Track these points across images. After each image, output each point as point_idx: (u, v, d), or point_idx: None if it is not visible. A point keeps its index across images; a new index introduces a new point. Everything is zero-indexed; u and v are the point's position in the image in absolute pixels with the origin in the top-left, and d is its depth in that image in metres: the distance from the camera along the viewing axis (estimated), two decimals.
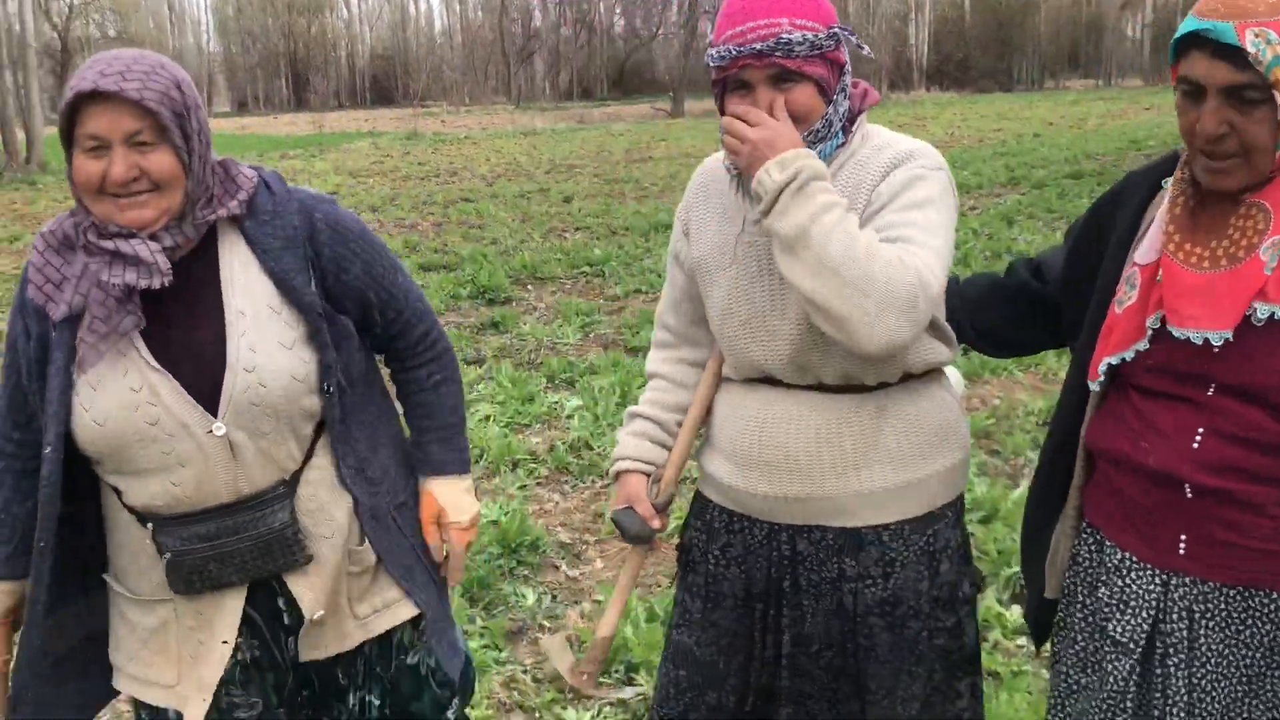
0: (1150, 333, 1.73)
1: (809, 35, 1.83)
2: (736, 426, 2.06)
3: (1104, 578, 1.85)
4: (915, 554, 2.00)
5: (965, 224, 11.40)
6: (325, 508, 1.92)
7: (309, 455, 1.90)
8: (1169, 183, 1.79)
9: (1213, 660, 1.75)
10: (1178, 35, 1.66)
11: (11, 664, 1.97)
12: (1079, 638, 1.92)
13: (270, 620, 1.95)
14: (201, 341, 1.82)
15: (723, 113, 1.91)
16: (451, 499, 2.07)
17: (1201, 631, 1.76)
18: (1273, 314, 1.63)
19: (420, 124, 37.92)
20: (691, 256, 2.10)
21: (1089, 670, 1.89)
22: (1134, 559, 1.81)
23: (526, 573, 4.04)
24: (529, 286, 9.82)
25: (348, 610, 1.99)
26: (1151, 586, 1.79)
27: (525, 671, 3.35)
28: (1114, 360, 1.77)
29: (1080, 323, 1.89)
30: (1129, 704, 1.81)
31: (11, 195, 19.02)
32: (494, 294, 9.29)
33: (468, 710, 2.23)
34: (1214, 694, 1.75)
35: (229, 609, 1.90)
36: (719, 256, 2.03)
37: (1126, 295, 1.78)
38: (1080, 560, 1.93)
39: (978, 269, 9.07)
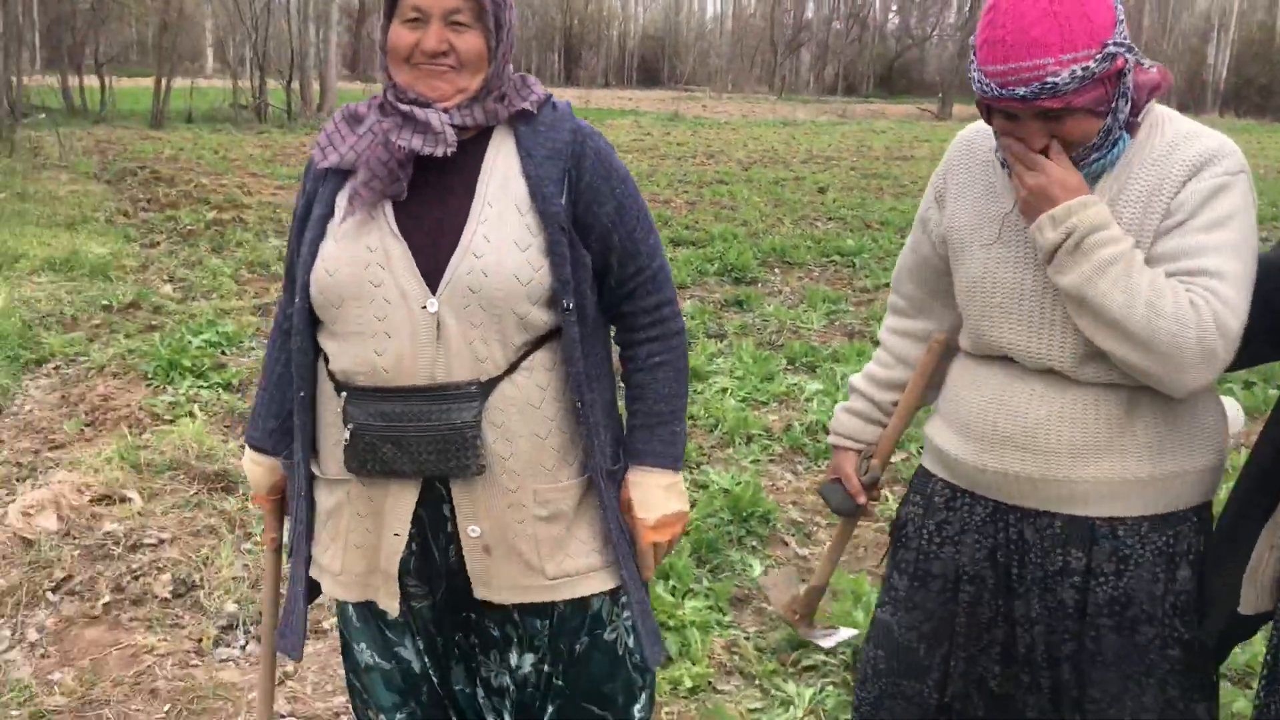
0: None
1: (1078, 69, 1.68)
2: (972, 400, 1.96)
3: None
4: (1152, 554, 1.86)
5: None
6: (512, 427, 1.86)
7: (512, 368, 1.85)
8: None
9: None
10: None
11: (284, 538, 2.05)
12: None
13: (434, 526, 1.92)
14: (442, 221, 1.84)
15: (988, 120, 1.84)
16: (642, 493, 1.97)
17: None
18: None
19: (682, 107, 38.34)
20: (943, 224, 2.01)
21: None
22: None
23: (755, 544, 3.98)
24: (775, 270, 9.74)
25: (535, 562, 1.92)
26: None
27: (748, 639, 3.29)
28: None
29: None
30: None
31: (302, 139, 20.40)
32: (740, 273, 9.27)
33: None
34: None
35: (401, 502, 1.88)
36: (978, 231, 1.93)
37: None
38: None
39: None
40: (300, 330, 1.91)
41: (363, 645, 2.06)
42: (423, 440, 1.82)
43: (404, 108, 1.81)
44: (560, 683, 1.99)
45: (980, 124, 1.96)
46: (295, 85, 25.33)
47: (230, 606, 3.46)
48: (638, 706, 2.05)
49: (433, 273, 1.81)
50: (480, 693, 2.07)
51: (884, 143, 26.25)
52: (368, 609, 2.00)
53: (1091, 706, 1.89)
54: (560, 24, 73.21)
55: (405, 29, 1.81)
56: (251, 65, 24.67)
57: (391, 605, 1.93)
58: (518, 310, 1.82)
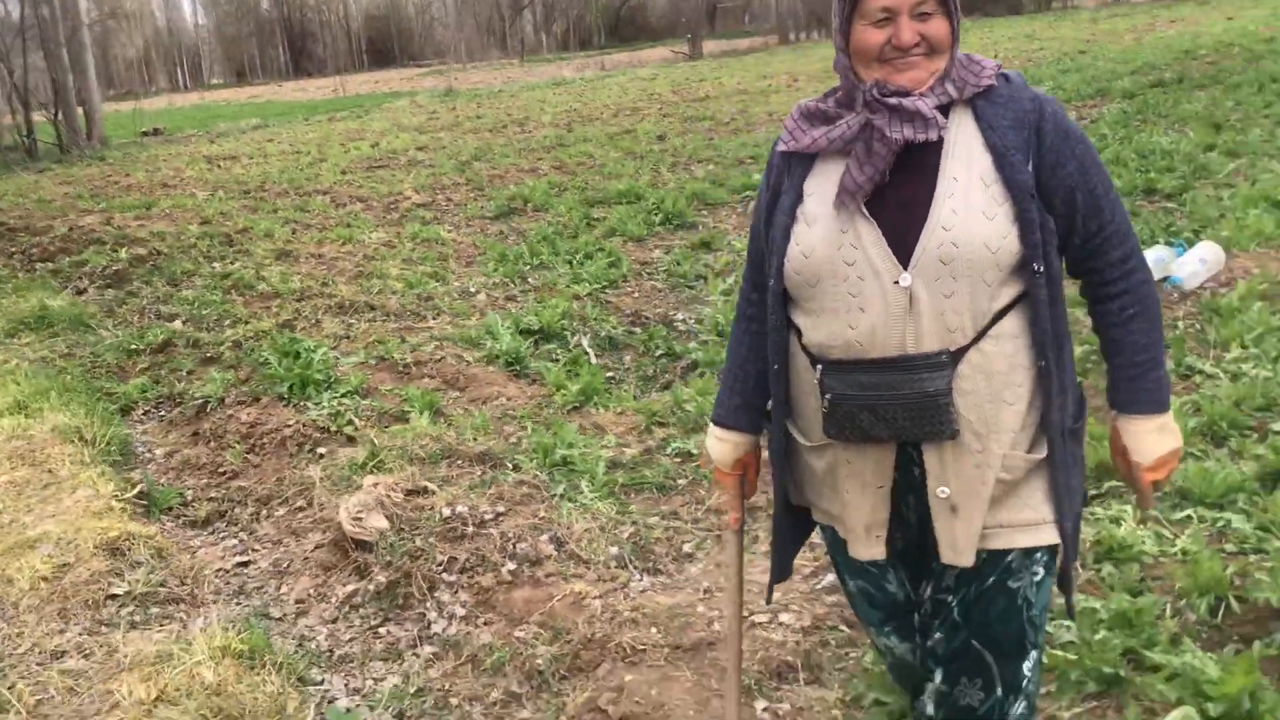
0: None
1: None
2: None
3: None
4: None
5: (1094, 130, 11.96)
6: (979, 394, 1.93)
7: (979, 336, 1.92)
8: None
9: None
10: None
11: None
12: None
13: (904, 487, 2.04)
14: (910, 200, 1.93)
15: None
16: (1135, 440, 2.06)
17: None
18: None
19: (438, 82, 38.01)
20: None
21: None
22: None
23: None
24: (703, 212, 10.38)
25: (986, 514, 2.00)
26: None
27: None
28: None
29: None
30: None
31: (104, 169, 19.35)
32: (679, 219, 9.86)
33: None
34: None
35: (881, 461, 2.01)
36: None
37: None
38: None
39: (1128, 168, 9.67)
40: (775, 309, 2.06)
41: (847, 577, 2.31)
42: (896, 408, 1.92)
43: (891, 101, 1.92)
44: (956, 617, 2.07)
45: None
46: (60, 117, 23.82)
47: (613, 549, 3.88)
48: (1027, 662, 2.06)
49: (903, 249, 1.91)
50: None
51: (665, 87, 27.12)
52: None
53: None
54: (278, 16, 70.47)
55: (872, 29, 1.93)
56: (12, 101, 23.01)
57: (877, 551, 2.09)
58: (988, 278, 1.90)
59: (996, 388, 1.93)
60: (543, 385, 5.90)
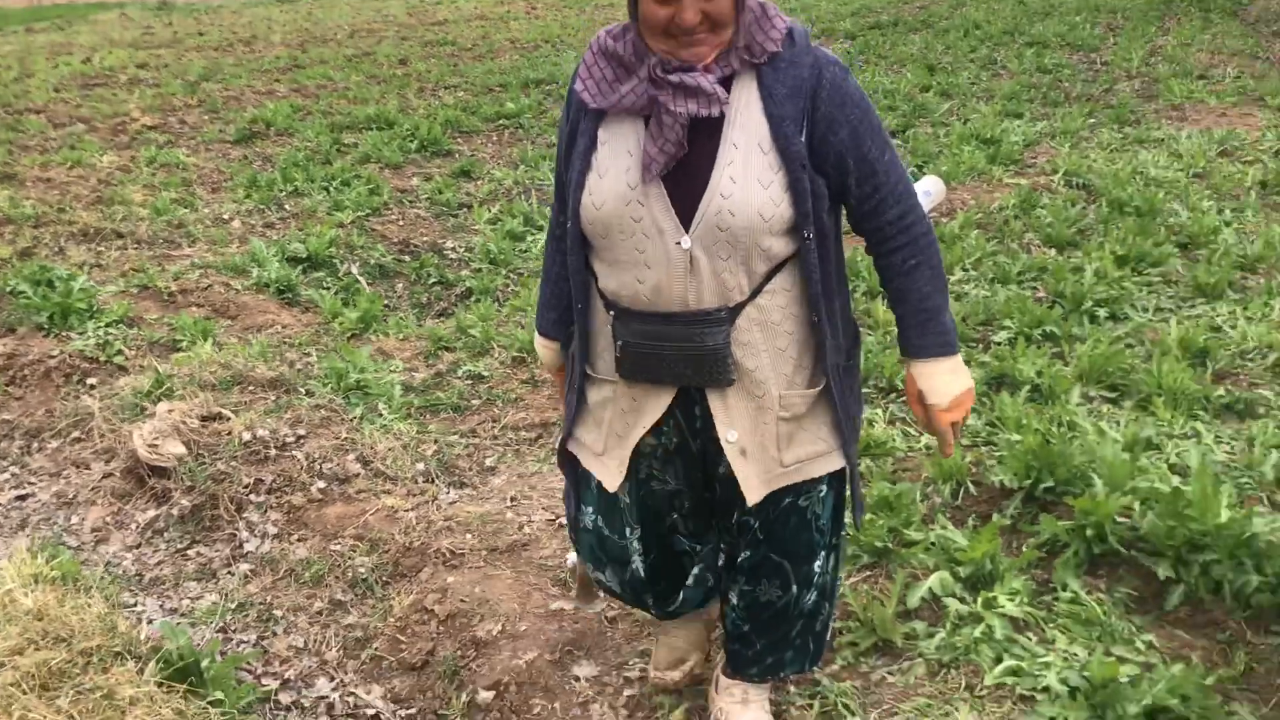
0: None
1: None
2: None
3: None
4: None
5: None
6: (756, 344, 2.10)
7: (755, 293, 2.07)
8: None
9: None
10: None
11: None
12: None
13: (689, 420, 2.22)
14: (695, 164, 2.01)
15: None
16: (929, 383, 2.19)
17: None
18: None
19: None
20: None
21: None
22: None
23: None
24: (459, 140, 10.39)
25: (775, 454, 2.20)
26: None
27: None
28: None
29: None
30: None
31: None
32: (436, 146, 9.86)
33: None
34: None
35: (657, 403, 2.18)
36: None
37: None
38: None
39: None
40: (574, 251, 2.17)
41: (590, 509, 2.44)
42: (680, 358, 2.08)
43: (674, 78, 1.96)
44: (760, 535, 2.34)
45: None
46: None
47: (419, 466, 4.03)
48: (818, 562, 2.37)
49: (686, 212, 2.01)
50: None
51: (401, 10, 26.43)
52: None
53: None
54: None
55: (657, 4, 1.92)
56: None
57: (613, 482, 2.29)
58: (761, 244, 2.02)
59: (771, 337, 2.10)
60: (317, 313, 5.89)
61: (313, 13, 26.72)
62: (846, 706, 2.74)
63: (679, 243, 2.00)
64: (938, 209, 7.26)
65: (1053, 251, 6.19)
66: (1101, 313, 5.18)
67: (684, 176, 2.01)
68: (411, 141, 9.93)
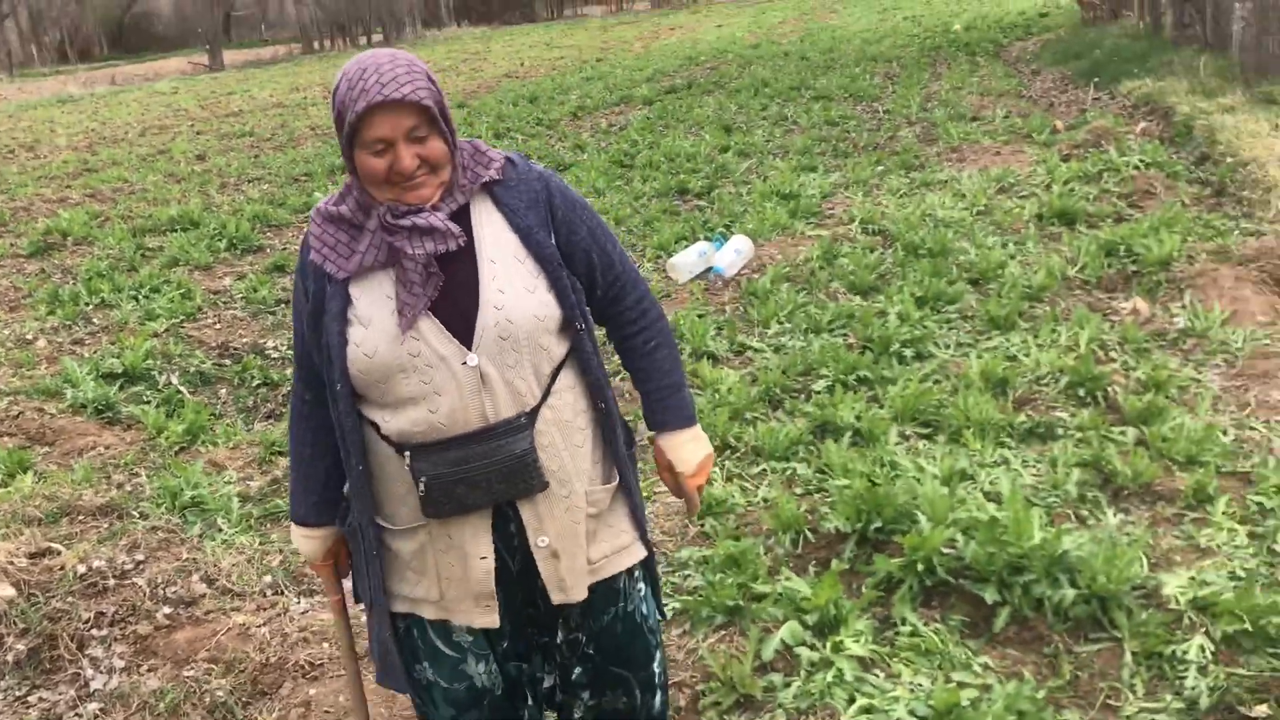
0: None
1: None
2: None
3: None
4: None
5: (625, 136, 13.10)
6: (556, 445, 2.14)
7: (546, 394, 2.13)
8: None
9: None
10: None
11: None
12: None
13: (505, 539, 2.19)
14: (461, 285, 2.07)
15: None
16: (677, 453, 2.33)
17: None
18: None
19: None
20: None
21: None
22: None
23: None
24: (268, 234, 10.27)
25: (584, 553, 2.21)
26: None
27: None
28: None
29: None
30: None
31: None
32: (246, 243, 9.72)
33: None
34: None
35: (476, 530, 2.14)
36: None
37: None
38: None
39: (661, 171, 10.78)
40: (347, 412, 2.13)
41: (425, 664, 2.28)
42: (490, 475, 2.08)
43: (405, 222, 2.03)
44: (590, 650, 2.33)
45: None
46: None
47: (266, 579, 3.97)
48: (655, 664, 2.40)
49: (463, 332, 2.05)
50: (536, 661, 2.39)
51: (192, 102, 25.87)
52: (444, 629, 2.24)
53: None
54: None
55: (373, 157, 2.00)
56: None
57: (491, 620, 2.20)
58: (542, 343, 2.11)
59: (568, 435, 2.16)
60: (141, 430, 5.73)
61: (98, 111, 25.88)
62: None
63: (465, 362, 2.05)
64: (749, 265, 7.60)
65: (858, 298, 6.55)
66: (908, 353, 5.53)
67: (451, 302, 2.06)
68: (220, 240, 9.76)
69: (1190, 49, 13.14)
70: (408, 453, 2.09)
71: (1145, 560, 3.50)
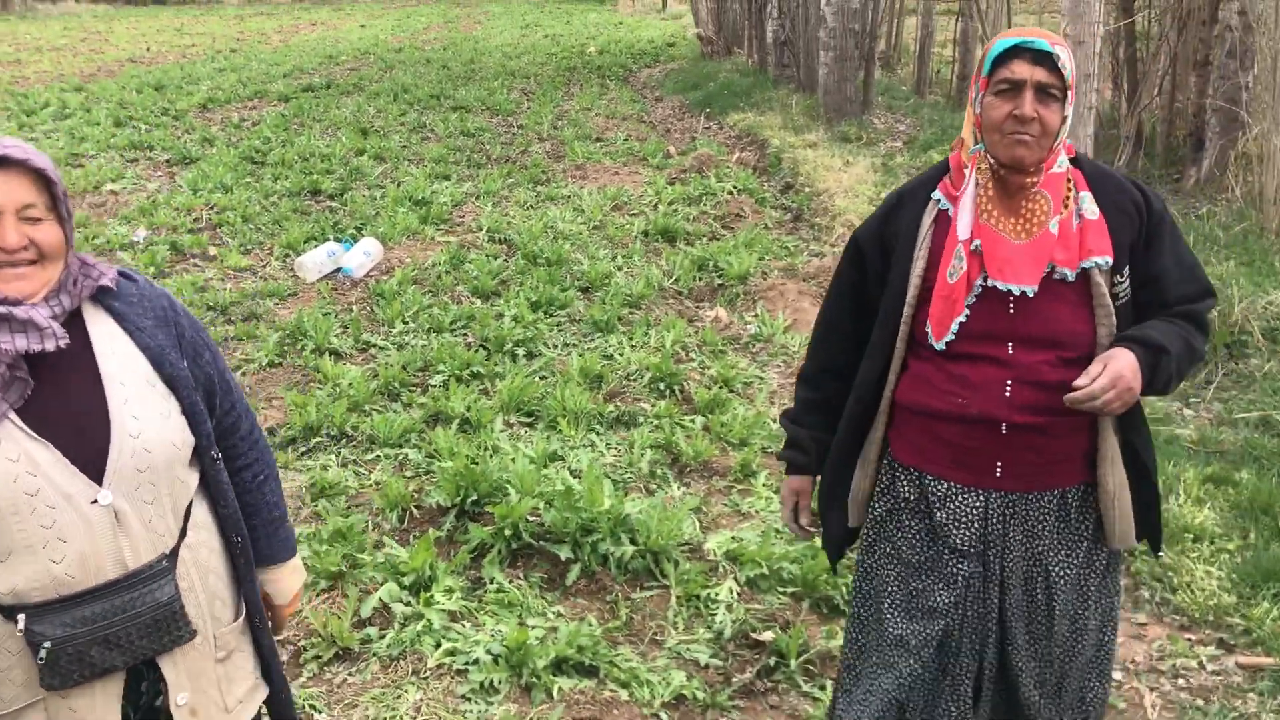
0: (978, 291, 2.10)
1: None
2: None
3: (937, 504, 2.24)
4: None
5: (258, 133, 12.92)
6: (195, 588, 1.94)
7: (183, 533, 1.93)
8: (936, 194, 2.21)
9: (1015, 549, 2.22)
10: (1001, 49, 2.06)
11: None
12: (910, 552, 2.30)
13: (134, 699, 1.92)
14: (81, 411, 1.81)
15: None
16: (276, 586, 2.21)
17: (1009, 528, 2.21)
18: (1063, 275, 2.08)
19: None
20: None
21: (924, 575, 2.29)
22: (960, 486, 2.22)
23: None
24: None
25: (220, 702, 2.01)
26: (977, 504, 2.22)
27: None
28: (962, 319, 2.12)
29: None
30: (972, 595, 2.25)
31: None
32: None
33: None
34: (1019, 573, 2.24)
35: (109, 697, 1.85)
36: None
37: (956, 267, 2.12)
38: (896, 494, 2.32)
39: (294, 170, 10.83)
40: None
41: None
42: (132, 630, 1.81)
43: (1, 310, 1.74)
44: None
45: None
46: None
47: None
48: None
49: (91, 464, 1.79)
50: None
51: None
52: None
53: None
54: None
55: None
56: None
57: None
58: (180, 475, 1.91)
59: (204, 575, 1.97)
60: None
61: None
62: (314, 707, 3.19)
63: (95, 500, 1.78)
64: (377, 267, 7.89)
65: (479, 301, 7.03)
66: (520, 351, 6.07)
67: (77, 429, 1.80)
68: None
69: (787, 88, 14.78)
70: (23, 615, 1.76)
71: (698, 523, 4.18)
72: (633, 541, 3.90)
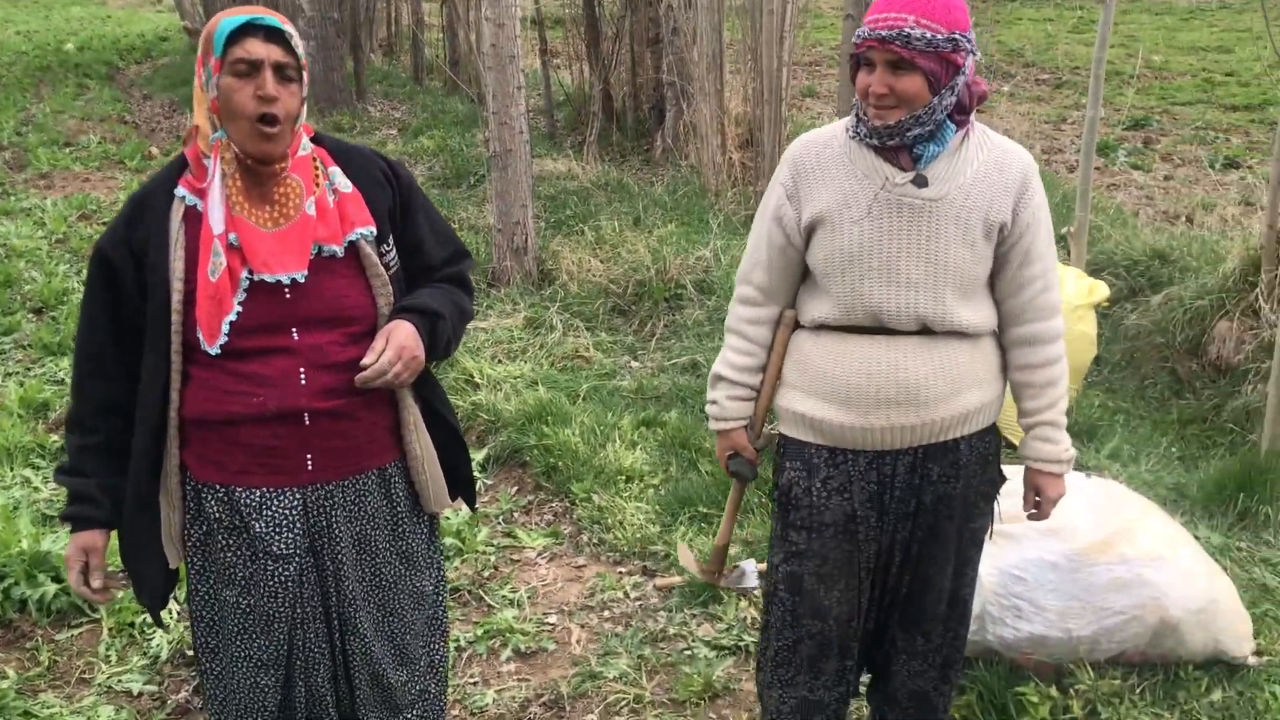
0: (245, 285, 2.04)
1: (927, 34, 2.09)
2: (845, 370, 2.29)
3: (252, 515, 2.14)
4: (976, 458, 2.38)
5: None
6: None
7: None
8: (181, 191, 2.10)
9: (343, 539, 2.22)
10: (231, 27, 2.03)
11: None
12: (239, 569, 2.18)
13: None
14: None
15: (854, 81, 2.21)
16: None
17: (333, 520, 2.19)
18: (332, 252, 2.10)
19: None
20: (804, 215, 2.30)
21: (253, 591, 2.18)
22: (274, 490, 2.14)
23: None
24: None
25: None
26: (294, 504, 2.16)
27: None
28: (233, 318, 2.04)
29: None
30: (306, 596, 2.21)
31: None
32: None
33: None
34: (350, 562, 2.23)
35: None
36: (846, 210, 2.24)
37: (216, 264, 2.03)
38: (206, 516, 2.17)
39: None
40: None
41: None
42: None
43: None
44: None
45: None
46: None
47: None
48: None
49: None
50: None
51: None
52: None
53: (930, 574, 2.43)
54: None
55: None
56: None
57: None
58: None
59: None
60: None
61: None
62: None
63: None
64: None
65: None
66: None
67: None
68: None
69: None
70: None
71: None
72: (56, 580, 3.63)
